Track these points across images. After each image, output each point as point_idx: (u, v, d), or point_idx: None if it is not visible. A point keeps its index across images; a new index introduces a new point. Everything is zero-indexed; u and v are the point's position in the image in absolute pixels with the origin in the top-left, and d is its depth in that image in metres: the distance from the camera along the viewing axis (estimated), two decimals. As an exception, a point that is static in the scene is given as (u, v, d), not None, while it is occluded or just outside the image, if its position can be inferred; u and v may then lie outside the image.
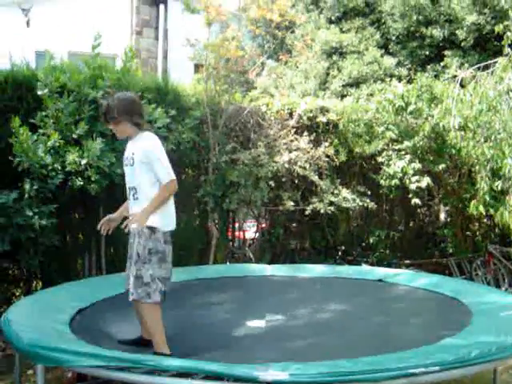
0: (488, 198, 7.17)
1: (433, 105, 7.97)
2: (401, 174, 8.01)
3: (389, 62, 14.26)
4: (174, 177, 4.17)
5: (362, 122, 8.41)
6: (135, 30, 13.16)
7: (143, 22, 13.40)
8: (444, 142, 7.95)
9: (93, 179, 5.93)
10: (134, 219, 4.11)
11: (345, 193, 8.11)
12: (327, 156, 8.22)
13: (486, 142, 7.05)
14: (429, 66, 14.00)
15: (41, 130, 5.99)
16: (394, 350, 3.65)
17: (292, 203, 7.90)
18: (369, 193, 8.45)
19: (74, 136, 6.04)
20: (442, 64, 13.71)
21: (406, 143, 8.12)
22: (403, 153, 8.15)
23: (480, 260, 8.63)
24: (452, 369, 3.33)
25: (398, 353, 3.58)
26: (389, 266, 8.07)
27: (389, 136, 8.25)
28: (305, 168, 7.96)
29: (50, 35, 12.59)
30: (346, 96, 13.05)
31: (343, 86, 14.17)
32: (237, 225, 8.63)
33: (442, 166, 8.13)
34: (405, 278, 6.17)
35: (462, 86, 7.58)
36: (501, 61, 7.13)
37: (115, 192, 6.30)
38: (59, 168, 5.88)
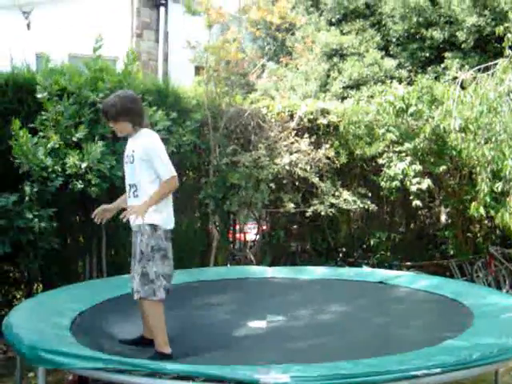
0: (489, 200, 7.17)
1: (433, 106, 7.98)
2: (401, 176, 8.00)
3: (389, 63, 14.26)
4: (174, 173, 4.21)
5: (363, 124, 8.41)
6: (136, 33, 13.17)
7: (144, 24, 13.40)
8: (445, 144, 7.95)
9: (93, 182, 5.93)
10: (132, 210, 4.11)
11: (345, 195, 8.10)
12: (328, 158, 8.22)
13: (486, 143, 7.04)
14: (429, 68, 14.00)
15: (41, 133, 5.99)
16: (395, 352, 3.65)
17: (293, 205, 7.90)
18: (369, 195, 8.44)
19: (74, 139, 6.05)
20: (442, 66, 13.71)
21: (407, 145, 8.12)
22: (404, 155, 8.14)
23: (481, 262, 8.62)
24: (454, 371, 3.33)
25: (399, 354, 3.58)
26: (390, 267, 8.07)
27: (389, 138, 8.24)
28: (305, 170, 7.95)
29: (50, 38, 12.60)
30: (346, 98, 13.04)
31: (344, 87, 14.17)
32: (237, 227, 8.63)
33: (442, 168, 8.13)
34: (406, 279, 6.16)
35: (463, 87, 7.58)
36: (501, 62, 7.13)
37: (116, 194, 6.30)
38: (59, 170, 5.88)
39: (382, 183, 8.21)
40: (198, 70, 10.25)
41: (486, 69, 7.49)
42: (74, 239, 7.11)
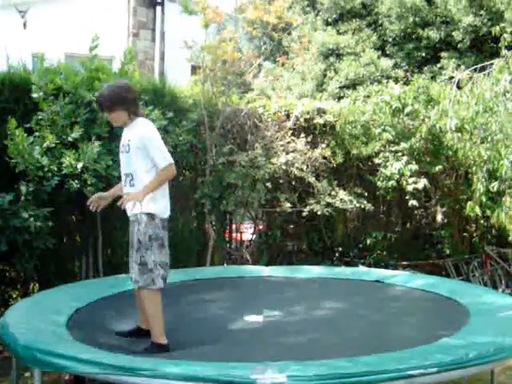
0: (484, 199, 7.18)
1: (430, 106, 7.99)
2: (398, 176, 8.01)
3: (385, 63, 14.28)
4: (171, 160, 4.22)
5: (359, 124, 8.42)
6: (132, 32, 13.17)
7: (140, 23, 13.41)
8: (441, 144, 7.96)
9: (89, 182, 5.92)
10: (130, 197, 4.12)
11: (342, 194, 8.10)
12: (324, 157, 8.22)
13: (482, 143, 7.06)
14: (425, 68, 14.02)
15: (37, 133, 5.98)
16: (391, 349, 3.65)
17: (289, 205, 7.91)
18: (366, 194, 8.45)
19: (70, 139, 6.04)
20: (438, 65, 13.73)
21: (403, 145, 8.13)
22: (400, 154, 8.15)
23: (477, 261, 8.64)
24: (450, 370, 3.33)
25: (396, 352, 3.58)
26: (386, 267, 8.08)
27: (386, 137, 8.25)
28: (302, 169, 7.96)
29: (46, 37, 12.59)
30: (342, 98, 13.06)
31: (340, 87, 14.18)
32: (234, 226, 8.63)
33: (438, 168, 8.14)
34: (402, 278, 6.17)
35: (459, 87, 7.60)
36: (497, 62, 7.15)
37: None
38: (55, 170, 5.87)
39: (379, 183, 8.21)
40: (194, 69, 10.26)
41: (482, 69, 7.51)
42: (70, 239, 7.09)
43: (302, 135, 8.20)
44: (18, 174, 5.84)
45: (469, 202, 7.37)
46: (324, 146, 8.29)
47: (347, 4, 15.18)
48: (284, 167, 7.88)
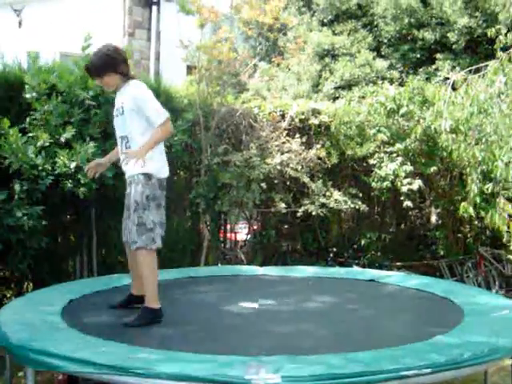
0: (479, 201, 7.20)
1: (424, 107, 8.00)
2: (392, 177, 8.02)
3: (381, 64, 14.30)
4: (167, 114, 4.22)
5: (354, 125, 8.42)
6: (127, 32, 13.15)
7: (135, 23, 13.39)
8: (435, 145, 7.97)
9: (82, 182, 5.91)
10: (132, 154, 4.12)
11: (336, 195, 8.11)
12: (319, 158, 8.23)
13: (477, 144, 7.07)
14: (420, 69, 14.04)
15: (30, 134, 5.96)
16: (385, 347, 3.65)
17: (284, 205, 7.91)
18: (360, 195, 8.46)
19: (62, 139, 6.02)
20: (433, 67, 13.76)
21: (398, 146, 8.14)
22: (395, 155, 8.16)
23: (471, 262, 8.66)
24: (444, 371, 3.33)
25: (389, 350, 3.58)
26: (380, 267, 8.08)
27: (380, 138, 8.26)
28: (296, 170, 7.96)
29: (42, 36, 12.55)
30: (338, 98, 13.06)
31: (335, 88, 14.20)
32: (228, 226, 8.62)
33: (433, 169, 8.16)
34: (396, 279, 6.18)
35: (454, 88, 7.61)
36: (492, 64, 7.16)
37: (107, 193, 6.30)
38: (49, 169, 5.86)
39: (373, 183, 8.22)
40: (189, 69, 10.25)
41: (477, 70, 7.52)
42: (64, 238, 7.09)
43: (297, 136, 8.21)
44: (12, 173, 5.82)
45: (462, 203, 7.38)
46: (319, 146, 8.30)
47: (343, 5, 15.20)
48: (279, 167, 7.88)
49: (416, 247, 9.28)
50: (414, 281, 6.07)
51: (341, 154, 8.48)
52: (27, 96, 6.15)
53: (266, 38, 8.81)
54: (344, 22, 15.29)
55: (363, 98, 9.41)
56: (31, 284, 6.72)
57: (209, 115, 7.75)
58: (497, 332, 3.93)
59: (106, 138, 6.26)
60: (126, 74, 4.35)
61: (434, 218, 9.23)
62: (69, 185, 5.92)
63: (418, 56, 14.44)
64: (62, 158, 5.84)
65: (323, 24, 15.62)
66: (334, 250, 8.69)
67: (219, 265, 7.89)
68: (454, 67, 12.95)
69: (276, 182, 8.14)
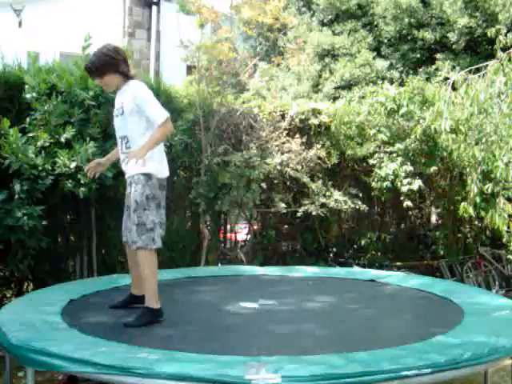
0: (479, 201, 7.20)
1: (424, 107, 8.01)
2: (392, 177, 8.02)
3: (381, 64, 14.32)
4: (167, 114, 4.21)
5: (354, 125, 8.43)
6: (127, 32, 13.16)
7: (135, 23, 13.40)
8: (435, 145, 7.98)
9: (82, 182, 5.91)
10: (132, 154, 4.11)
11: (336, 195, 8.11)
12: (319, 158, 8.22)
13: (477, 144, 7.07)
14: (420, 69, 14.06)
15: (30, 134, 5.96)
16: (385, 346, 3.65)
17: (284, 205, 7.91)
18: (360, 195, 8.45)
19: (62, 139, 6.02)
20: (433, 67, 13.77)
21: (398, 146, 8.14)
22: (395, 155, 8.17)
23: (471, 262, 8.67)
24: (444, 371, 3.34)
25: (389, 350, 3.58)
26: (380, 267, 8.09)
27: (380, 138, 8.27)
28: (297, 170, 7.96)
29: (42, 36, 12.56)
30: (338, 98, 13.07)
31: (335, 88, 14.21)
32: (228, 227, 8.62)
33: (433, 169, 8.17)
34: (396, 279, 6.19)
35: (454, 88, 7.61)
36: (492, 64, 7.16)
37: (107, 193, 6.30)
38: (49, 169, 5.86)
39: (373, 184, 8.22)
40: (189, 69, 10.25)
41: (477, 70, 7.52)
42: (64, 238, 7.09)
43: (297, 136, 8.20)
44: (12, 172, 5.82)
45: (462, 203, 7.39)
46: (319, 146, 8.29)
47: (343, 5, 15.21)
48: (279, 167, 7.88)
49: (416, 247, 9.29)
50: (414, 281, 6.08)
51: (341, 154, 8.47)
52: (27, 96, 6.15)
53: (265, 38, 8.83)
54: (344, 21, 15.30)
55: (363, 98, 9.42)
56: (31, 284, 6.72)
57: (209, 115, 7.75)
58: (497, 332, 3.93)
59: (106, 139, 6.26)
60: (126, 73, 4.36)
61: (434, 218, 9.24)
62: (69, 185, 5.91)
63: (418, 56, 14.46)
64: (62, 158, 5.84)
65: (323, 24, 15.64)
66: (334, 249, 8.69)
67: (219, 265, 7.89)
68: (453, 67, 12.96)
69: (276, 182, 8.14)
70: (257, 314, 4.83)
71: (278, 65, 11.77)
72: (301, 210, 7.96)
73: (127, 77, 4.37)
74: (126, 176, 4.36)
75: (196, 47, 7.57)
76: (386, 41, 14.86)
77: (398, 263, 8.63)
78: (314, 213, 7.91)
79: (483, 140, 6.99)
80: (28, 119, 6.07)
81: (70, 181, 5.91)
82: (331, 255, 8.53)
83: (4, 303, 6.16)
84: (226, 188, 7.55)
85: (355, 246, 8.91)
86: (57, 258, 6.83)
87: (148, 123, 4.22)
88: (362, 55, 14.39)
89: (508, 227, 7.12)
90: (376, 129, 8.32)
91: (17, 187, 5.79)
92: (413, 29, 14.31)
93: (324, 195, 8.04)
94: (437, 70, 13.51)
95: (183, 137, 7.10)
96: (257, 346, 3.79)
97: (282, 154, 7.98)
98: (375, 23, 15.05)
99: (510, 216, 6.99)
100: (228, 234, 8.67)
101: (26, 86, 6.16)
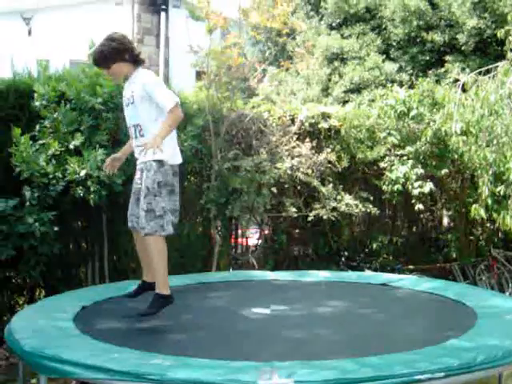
0: (490, 203, 7.17)
1: (434, 110, 7.99)
2: (403, 180, 8.00)
3: (390, 67, 14.30)
4: (177, 99, 4.17)
5: (364, 128, 8.42)
6: (137, 38, 13.20)
7: (144, 29, 13.43)
8: (446, 147, 7.95)
9: (92, 189, 5.93)
10: (149, 144, 4.06)
11: (347, 199, 8.09)
12: (329, 162, 8.21)
13: (488, 146, 7.05)
14: (430, 71, 14.02)
15: (40, 141, 6.00)
16: (398, 351, 3.63)
17: (295, 209, 7.90)
18: (371, 198, 8.44)
19: (71, 147, 6.05)
20: (443, 69, 13.73)
21: (408, 148, 8.13)
22: (405, 158, 8.15)
23: (483, 265, 8.63)
24: (457, 374, 3.31)
25: (402, 354, 3.56)
26: (392, 271, 8.06)
27: (391, 141, 8.26)
28: (307, 174, 7.95)
29: (51, 44, 12.65)
30: (347, 102, 13.06)
31: (345, 91, 14.20)
32: (240, 232, 8.62)
33: (444, 171, 8.14)
34: (408, 282, 6.15)
35: (464, 90, 7.59)
36: (502, 65, 7.14)
37: (118, 199, 6.32)
38: (60, 176, 5.89)
39: (384, 187, 8.21)
40: (199, 74, 10.27)
41: (487, 71, 7.50)
42: (76, 245, 7.12)
43: (307, 140, 8.20)
44: (24, 180, 5.86)
45: (474, 206, 7.36)
46: (329, 150, 8.28)
47: (351, 8, 15.21)
48: (289, 172, 7.87)
49: (428, 250, 9.26)
50: (427, 284, 6.04)
51: (351, 158, 8.47)
52: (36, 104, 6.18)
53: (274, 43, 8.83)
54: (352, 25, 15.29)
55: (373, 101, 9.41)
56: (43, 291, 6.75)
57: (218, 121, 7.75)
58: (511, 335, 3.90)
59: (115, 145, 6.29)
60: (134, 61, 4.32)
61: (445, 221, 9.21)
62: (79, 191, 5.94)
63: (428, 58, 14.42)
64: (72, 165, 5.87)
65: (332, 28, 15.64)
66: (346, 253, 8.67)
67: (231, 270, 7.89)
68: (463, 69, 12.92)
69: (286, 186, 8.13)
70: (269, 319, 4.82)
71: (287, 69, 11.76)
72: (312, 214, 7.95)
73: (136, 64, 4.33)
74: (138, 162, 4.35)
75: (205, 53, 7.59)
76: (394, 43, 14.84)
77: (410, 266, 8.60)
78: (325, 217, 7.90)
79: (494, 142, 6.97)
80: (38, 127, 6.11)
81: (80, 187, 5.94)
82: (343, 259, 8.51)
83: (16, 310, 6.19)
84: (236, 193, 7.55)
85: (367, 250, 8.89)
86: (69, 265, 6.86)
87: (159, 109, 4.19)
88: (371, 58, 14.38)
89: (520, 229, 7.09)
90: (386, 132, 8.31)
91: (27, 194, 5.82)
92: (422, 31, 14.29)
93: (335, 199, 8.03)
94: (446, 72, 13.48)
95: (193, 142, 7.11)
96: (269, 351, 3.78)
97: (293, 158, 7.97)
98: (384, 26, 15.04)
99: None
100: (239, 239, 8.67)
101: (36, 94, 6.20)
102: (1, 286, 6.50)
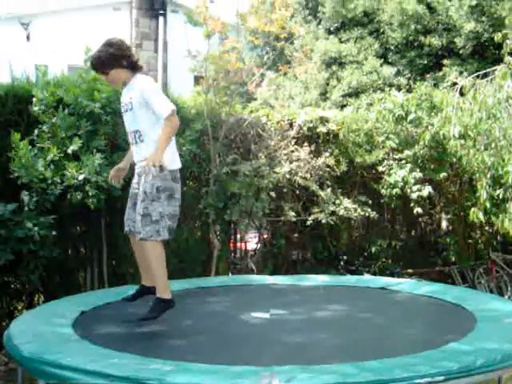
0: (489, 206, 7.18)
1: (433, 113, 7.99)
2: (402, 183, 8.01)
3: (388, 71, 14.32)
4: (173, 107, 4.16)
5: (362, 132, 8.43)
6: (135, 43, 13.19)
7: (143, 34, 13.41)
8: (444, 151, 7.95)
9: (90, 194, 5.93)
10: (150, 162, 4.07)
11: (346, 202, 8.10)
12: (328, 166, 8.22)
13: (486, 149, 7.06)
14: (428, 75, 14.05)
15: (38, 145, 6.00)
16: (397, 355, 3.63)
17: (293, 214, 7.90)
18: (370, 202, 8.43)
19: (69, 151, 6.05)
20: (441, 73, 13.76)
21: (407, 152, 8.13)
22: (404, 162, 8.15)
23: (482, 268, 8.63)
24: (457, 378, 3.31)
25: (401, 358, 3.56)
26: (391, 275, 8.06)
27: (389, 145, 8.26)
28: (306, 178, 7.96)
29: (50, 49, 12.66)
30: (346, 106, 13.07)
31: (343, 96, 14.22)
32: (238, 236, 8.62)
33: (442, 175, 8.14)
34: (407, 286, 6.15)
35: (462, 94, 7.60)
36: (500, 68, 7.16)
37: (117, 204, 6.32)
38: (58, 181, 5.90)
39: (383, 191, 8.21)
40: (197, 79, 10.27)
41: (485, 75, 7.52)
42: (75, 250, 7.11)
43: (306, 144, 8.20)
44: (23, 185, 5.86)
45: (473, 209, 7.36)
46: (327, 154, 8.28)
47: (349, 13, 15.24)
48: (288, 176, 7.88)
49: (427, 254, 9.26)
50: (426, 288, 6.04)
51: (350, 162, 8.47)
52: (35, 109, 6.19)
53: (272, 47, 8.83)
54: (350, 29, 15.33)
55: (371, 105, 9.42)
56: (42, 296, 6.74)
57: (217, 125, 7.76)
58: (510, 338, 3.90)
59: (113, 150, 6.30)
60: (132, 67, 4.32)
61: (444, 224, 9.21)
62: (77, 197, 5.94)
63: (425, 62, 14.45)
64: (70, 170, 5.87)
65: (329, 32, 15.67)
66: (345, 257, 8.67)
67: (230, 274, 7.89)
68: (461, 72, 12.94)
69: (285, 190, 8.14)
70: (268, 323, 4.81)
71: (285, 74, 11.82)
72: (310, 218, 7.96)
73: (134, 70, 4.33)
74: (137, 167, 4.36)
75: (203, 57, 7.60)
76: (392, 47, 14.87)
77: (409, 270, 8.60)
78: (323, 221, 7.90)
79: (492, 145, 6.98)
80: (36, 131, 6.11)
81: (78, 192, 5.94)
82: (342, 263, 8.51)
83: (15, 316, 6.18)
84: (235, 197, 7.56)
85: (365, 254, 8.89)
86: (67, 270, 6.85)
87: (157, 115, 4.22)
88: (369, 62, 14.40)
89: (519, 232, 7.09)
90: (384, 136, 8.32)
91: (26, 199, 5.82)
92: (419, 35, 14.32)
93: (333, 203, 8.03)
94: (444, 75, 13.50)
95: (191, 147, 7.12)
96: (269, 355, 3.78)
97: (291, 162, 7.98)
98: (382, 30, 15.07)
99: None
100: (238, 244, 8.66)
101: (34, 99, 6.21)
102: (0, 292, 6.50)
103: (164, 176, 4.19)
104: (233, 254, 8.50)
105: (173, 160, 4.32)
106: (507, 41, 7.13)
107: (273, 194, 7.75)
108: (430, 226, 9.41)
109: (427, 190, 7.99)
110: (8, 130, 6.02)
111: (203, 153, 7.65)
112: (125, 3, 14.12)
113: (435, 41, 14.01)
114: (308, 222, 8.01)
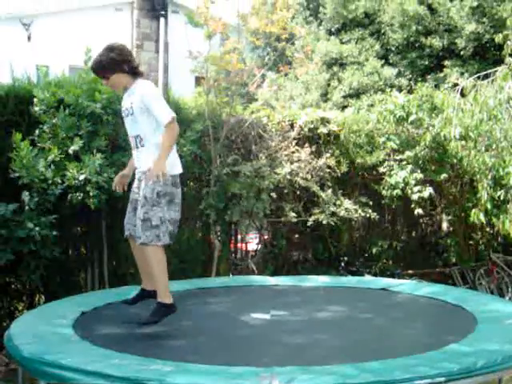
0: (490, 207, 7.17)
1: (433, 114, 7.99)
2: (403, 184, 8.00)
3: (389, 72, 14.33)
4: (173, 114, 4.17)
5: (363, 133, 8.42)
6: (136, 44, 13.19)
7: (144, 35, 13.42)
8: (445, 152, 7.95)
9: (91, 194, 5.94)
10: (154, 173, 4.07)
11: (347, 203, 8.09)
12: (329, 167, 8.21)
13: (487, 151, 7.06)
14: (429, 76, 14.05)
15: (39, 145, 6.01)
16: (398, 356, 3.63)
17: (294, 214, 7.90)
18: (371, 203, 8.43)
19: (70, 152, 6.06)
20: (442, 74, 13.75)
21: (408, 153, 8.13)
22: (405, 163, 8.15)
23: (483, 269, 8.62)
24: (457, 379, 3.31)
25: (402, 359, 3.56)
26: (392, 276, 8.05)
27: (390, 146, 8.26)
28: (306, 179, 7.96)
29: (51, 49, 12.66)
30: (346, 107, 13.07)
31: (344, 96, 14.22)
32: (239, 237, 8.61)
33: (443, 176, 8.13)
34: (408, 287, 6.15)
35: (463, 95, 7.60)
36: (501, 70, 7.15)
37: (117, 204, 6.32)
38: (59, 181, 5.90)
39: (383, 192, 8.20)
40: (198, 80, 10.28)
41: (486, 76, 7.51)
42: (75, 250, 7.11)
43: (306, 145, 8.20)
44: (23, 185, 5.86)
45: (473, 210, 7.36)
46: (328, 155, 8.28)
47: (350, 13, 15.24)
48: (288, 177, 7.88)
49: (427, 255, 9.25)
50: (426, 289, 6.04)
51: (350, 163, 8.47)
52: (36, 109, 6.19)
53: (273, 48, 8.83)
54: (351, 30, 15.33)
55: (372, 106, 9.41)
56: (43, 297, 6.74)
57: (218, 126, 7.76)
58: (510, 339, 3.90)
59: (114, 150, 6.30)
60: (132, 72, 4.32)
61: (445, 226, 9.20)
62: (78, 197, 5.95)
63: (426, 63, 14.45)
64: (71, 170, 5.87)
65: (330, 33, 15.68)
66: (345, 258, 8.66)
67: (230, 275, 7.88)
68: (462, 73, 12.94)
69: (286, 191, 8.14)
70: (269, 324, 4.81)
71: (286, 74, 11.80)
72: (311, 219, 7.95)
73: (135, 75, 4.33)
74: (137, 171, 4.36)
75: (204, 58, 7.60)
76: (393, 48, 14.87)
77: (410, 271, 8.59)
78: (324, 222, 7.90)
79: (493, 146, 6.97)
80: (37, 131, 6.12)
81: (79, 193, 5.95)
82: (342, 264, 8.50)
83: (16, 316, 6.18)
84: (236, 198, 7.56)
85: (366, 255, 8.89)
86: (68, 270, 6.85)
87: (157, 118, 4.22)
88: (370, 63, 14.40)
89: (520, 233, 7.09)
90: (385, 137, 8.31)
91: (26, 198, 5.83)
92: (420, 36, 14.32)
93: (334, 204, 8.03)
94: (445, 76, 13.50)
95: (192, 147, 7.12)
96: (269, 356, 3.78)
97: (292, 163, 7.97)
98: (383, 31, 15.07)
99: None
100: (239, 244, 8.66)
101: (35, 100, 6.21)
102: (0, 292, 6.50)
103: (164, 181, 4.18)
104: (233, 255, 8.49)
105: (173, 165, 4.31)
106: (508, 42, 7.12)
107: (273, 194, 7.75)
108: (430, 227, 9.41)
109: (428, 191, 7.99)
110: (9, 131, 6.03)
111: (204, 153, 7.65)
112: (126, 4, 14.14)
113: (436, 42, 14.01)
114: (309, 223, 8.00)
